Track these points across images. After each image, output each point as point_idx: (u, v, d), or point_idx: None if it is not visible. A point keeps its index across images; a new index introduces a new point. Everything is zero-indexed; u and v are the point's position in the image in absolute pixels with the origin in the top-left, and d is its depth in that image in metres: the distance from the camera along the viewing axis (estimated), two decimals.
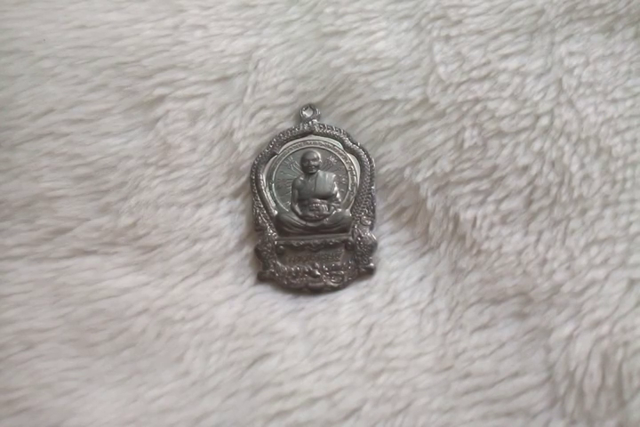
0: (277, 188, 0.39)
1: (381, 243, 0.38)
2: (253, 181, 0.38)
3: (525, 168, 0.36)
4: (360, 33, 0.39)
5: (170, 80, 0.39)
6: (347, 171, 0.38)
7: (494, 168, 0.37)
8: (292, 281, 0.37)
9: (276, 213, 0.38)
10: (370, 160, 0.38)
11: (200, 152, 0.39)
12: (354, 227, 0.38)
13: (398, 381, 0.34)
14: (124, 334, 0.36)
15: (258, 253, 0.38)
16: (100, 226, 0.38)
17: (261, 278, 0.37)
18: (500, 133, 0.37)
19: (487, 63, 0.38)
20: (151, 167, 0.39)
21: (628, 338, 0.32)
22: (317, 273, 0.37)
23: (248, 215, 0.38)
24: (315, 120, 0.39)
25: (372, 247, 0.37)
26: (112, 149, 0.39)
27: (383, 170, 0.38)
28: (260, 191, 0.38)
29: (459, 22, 0.38)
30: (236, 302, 0.37)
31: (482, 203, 0.36)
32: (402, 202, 0.38)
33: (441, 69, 0.38)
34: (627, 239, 0.34)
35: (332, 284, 0.37)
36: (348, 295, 0.37)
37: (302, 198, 0.38)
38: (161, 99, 0.39)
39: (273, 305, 0.37)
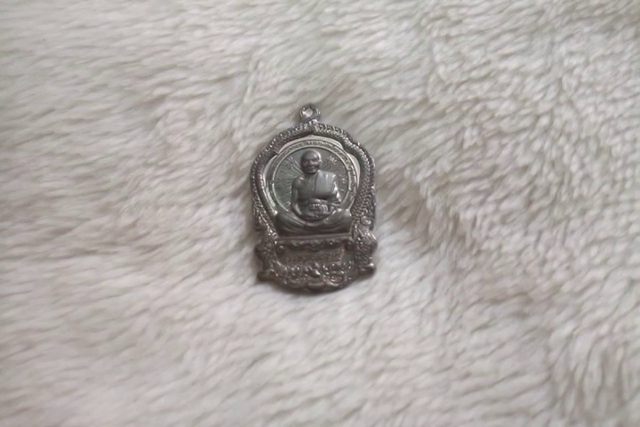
0: (277, 188, 0.39)
1: (381, 243, 0.38)
2: (253, 181, 0.38)
3: (525, 168, 0.36)
4: (360, 33, 0.39)
5: (170, 80, 0.39)
6: (347, 171, 0.38)
7: (494, 168, 0.37)
8: (292, 281, 0.37)
9: (275, 213, 0.38)
10: (370, 160, 0.38)
11: (200, 152, 0.39)
12: (354, 227, 0.38)
13: (398, 381, 0.34)
14: (124, 334, 0.36)
15: (258, 253, 0.38)
16: (100, 226, 0.38)
17: (261, 278, 0.37)
18: (499, 133, 0.37)
19: (487, 63, 0.38)
20: (151, 167, 0.39)
21: (628, 338, 0.32)
22: (317, 273, 0.37)
23: (248, 215, 0.38)
24: (315, 120, 0.39)
25: (371, 247, 0.37)
26: (112, 149, 0.39)
27: (383, 170, 0.38)
28: (260, 191, 0.38)
29: (459, 22, 0.38)
30: (236, 301, 0.37)
31: (482, 203, 0.36)
32: (402, 202, 0.38)
33: (441, 69, 0.38)
34: (627, 239, 0.34)
35: (331, 284, 0.37)
36: (348, 295, 0.37)
37: (302, 198, 0.38)
38: (161, 99, 0.39)
39: (273, 305, 0.37)
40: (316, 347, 0.35)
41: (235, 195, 0.39)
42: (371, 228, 0.38)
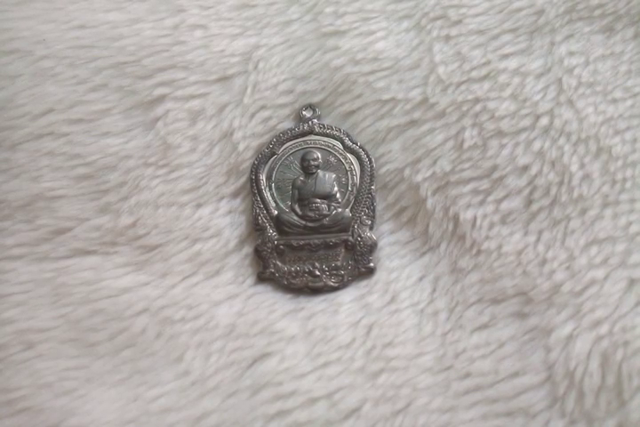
0: (277, 188, 0.39)
1: (381, 243, 0.38)
2: (253, 181, 0.38)
3: (525, 168, 0.36)
4: (360, 33, 0.39)
5: (170, 80, 0.39)
6: (347, 171, 0.38)
7: (494, 168, 0.37)
8: (292, 281, 0.37)
9: (275, 212, 0.38)
10: (370, 160, 0.38)
11: (200, 152, 0.39)
12: (354, 227, 0.38)
13: (398, 381, 0.34)
14: (124, 334, 0.36)
15: (258, 252, 0.38)
16: (100, 226, 0.38)
17: (261, 278, 0.37)
18: (499, 133, 0.37)
19: (487, 63, 0.38)
20: (151, 167, 0.39)
21: (628, 338, 0.32)
22: (317, 273, 0.37)
23: (248, 215, 0.38)
24: (315, 120, 0.39)
25: (371, 247, 0.37)
26: (112, 148, 0.39)
27: (383, 170, 0.38)
28: (260, 191, 0.38)
29: (459, 22, 0.38)
30: (236, 301, 0.37)
31: (482, 203, 0.36)
32: (402, 202, 0.38)
33: (441, 69, 0.38)
34: (627, 239, 0.34)
35: (331, 284, 0.37)
36: (347, 295, 0.37)
37: (302, 198, 0.38)
38: (161, 99, 0.39)
39: (273, 305, 0.37)
40: (316, 347, 0.35)
41: (235, 195, 0.39)
42: (371, 228, 0.38)
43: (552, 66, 0.37)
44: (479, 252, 0.36)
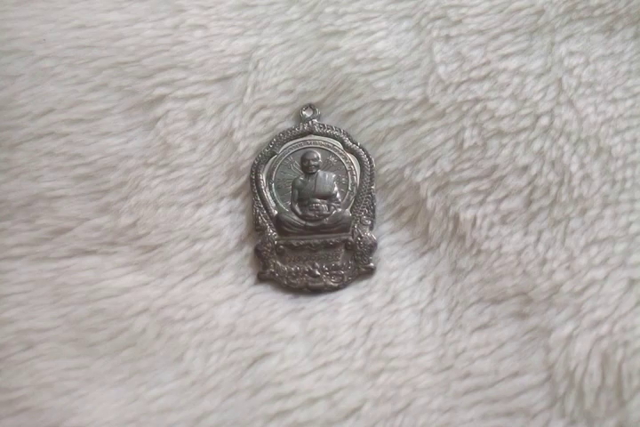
0: (277, 188, 0.39)
1: (381, 243, 0.38)
2: (253, 181, 0.38)
3: (525, 168, 0.36)
4: (360, 33, 0.39)
5: (170, 80, 0.39)
6: (347, 171, 0.38)
7: (494, 168, 0.37)
8: (292, 281, 0.37)
9: (275, 212, 0.38)
10: (370, 160, 0.38)
11: (200, 152, 0.39)
12: (354, 227, 0.38)
13: (398, 381, 0.34)
14: (124, 334, 0.36)
15: (258, 252, 0.38)
16: (99, 226, 0.38)
17: (261, 278, 0.37)
18: (499, 133, 0.37)
19: (487, 63, 0.38)
20: (151, 167, 0.39)
21: (628, 338, 0.32)
22: (317, 273, 0.37)
23: (248, 215, 0.38)
24: (315, 120, 0.39)
25: (371, 247, 0.37)
26: (112, 148, 0.39)
27: (383, 170, 0.38)
28: (260, 191, 0.38)
29: (459, 22, 0.38)
30: (236, 301, 0.37)
31: (482, 203, 0.36)
32: (402, 202, 0.38)
33: (441, 69, 0.38)
34: (627, 239, 0.34)
35: (331, 284, 0.37)
36: (347, 295, 0.37)
37: (302, 198, 0.38)
38: (161, 99, 0.39)
39: (273, 305, 0.37)
40: (316, 347, 0.35)
41: (235, 195, 0.39)
42: (371, 228, 0.38)
43: (552, 66, 0.37)
44: (479, 252, 0.36)
